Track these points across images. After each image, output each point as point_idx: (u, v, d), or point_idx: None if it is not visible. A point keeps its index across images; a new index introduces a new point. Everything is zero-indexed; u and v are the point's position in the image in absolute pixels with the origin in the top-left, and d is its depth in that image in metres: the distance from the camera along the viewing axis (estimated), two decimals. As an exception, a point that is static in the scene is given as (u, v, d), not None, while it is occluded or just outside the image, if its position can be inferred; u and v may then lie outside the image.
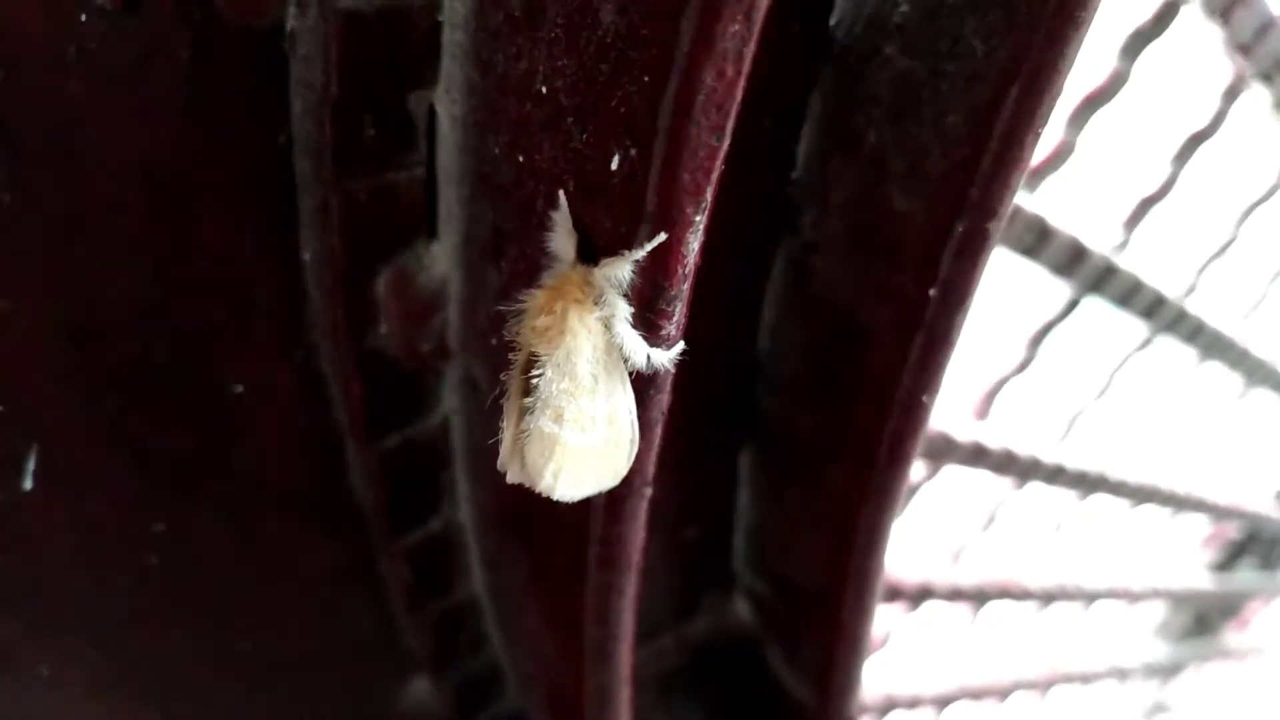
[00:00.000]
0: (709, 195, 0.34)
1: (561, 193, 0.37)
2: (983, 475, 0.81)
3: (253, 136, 0.47)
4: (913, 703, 0.99)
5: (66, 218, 0.45)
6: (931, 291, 0.46)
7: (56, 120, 0.43)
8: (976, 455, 0.75)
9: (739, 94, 0.32)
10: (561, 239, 0.37)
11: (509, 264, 0.43)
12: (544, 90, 0.37)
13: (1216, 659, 1.72)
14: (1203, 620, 1.66)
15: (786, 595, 0.65)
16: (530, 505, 0.40)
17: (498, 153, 0.41)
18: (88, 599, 0.58)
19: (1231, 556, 1.57)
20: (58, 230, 0.45)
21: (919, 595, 0.85)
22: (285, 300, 0.52)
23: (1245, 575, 1.59)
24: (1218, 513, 1.28)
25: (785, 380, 0.57)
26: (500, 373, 0.46)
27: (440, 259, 0.49)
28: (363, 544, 0.64)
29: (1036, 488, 0.93)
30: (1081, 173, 0.67)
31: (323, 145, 0.44)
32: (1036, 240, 0.64)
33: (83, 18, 0.41)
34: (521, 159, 0.39)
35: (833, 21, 0.47)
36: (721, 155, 0.33)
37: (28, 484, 0.51)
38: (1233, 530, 1.52)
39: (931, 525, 0.97)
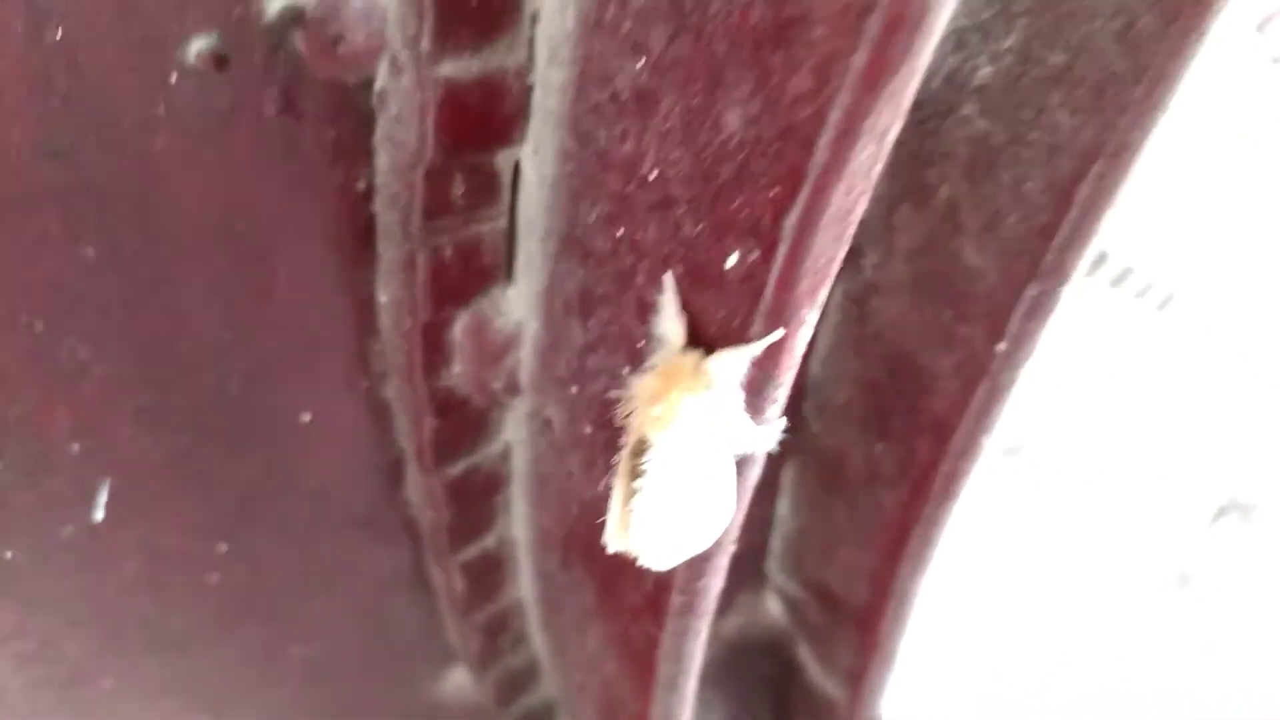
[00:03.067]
0: (825, 294, 0.35)
1: (669, 275, 0.38)
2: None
3: (333, 183, 0.47)
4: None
5: (148, 269, 0.46)
6: (999, 346, 0.47)
7: (143, 176, 0.43)
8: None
9: (864, 204, 0.33)
10: (669, 322, 0.38)
11: (598, 324, 0.44)
12: (652, 176, 0.37)
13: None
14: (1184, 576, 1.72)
15: (824, 602, 0.68)
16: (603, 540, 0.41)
17: (592, 221, 0.42)
18: (150, 616, 0.59)
19: (1215, 517, 1.62)
20: (139, 281, 0.46)
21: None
22: (353, 334, 0.53)
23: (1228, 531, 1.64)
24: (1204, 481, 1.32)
25: (838, 408, 0.58)
26: (579, 419, 0.47)
27: (517, 303, 0.50)
28: (414, 552, 0.65)
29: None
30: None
31: (412, 202, 0.44)
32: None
33: (174, 77, 0.41)
34: (620, 233, 0.40)
35: (908, 75, 0.48)
36: (841, 258, 0.34)
37: (99, 515, 0.52)
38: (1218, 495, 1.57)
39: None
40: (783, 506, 0.68)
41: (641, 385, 0.37)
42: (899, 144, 0.50)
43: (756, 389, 0.37)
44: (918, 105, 0.47)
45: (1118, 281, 0.68)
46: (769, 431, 0.38)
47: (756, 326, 0.35)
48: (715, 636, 0.75)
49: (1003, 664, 1.06)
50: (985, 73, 0.45)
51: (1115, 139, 0.41)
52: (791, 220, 0.32)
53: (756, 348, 0.35)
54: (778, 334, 0.35)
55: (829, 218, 0.32)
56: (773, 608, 0.75)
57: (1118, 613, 1.28)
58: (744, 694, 0.82)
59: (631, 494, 0.38)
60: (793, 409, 0.63)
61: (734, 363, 0.36)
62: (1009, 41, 0.44)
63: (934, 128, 0.47)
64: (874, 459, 0.57)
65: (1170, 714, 1.34)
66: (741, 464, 0.40)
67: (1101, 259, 0.61)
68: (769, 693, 0.81)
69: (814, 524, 0.66)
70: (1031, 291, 0.45)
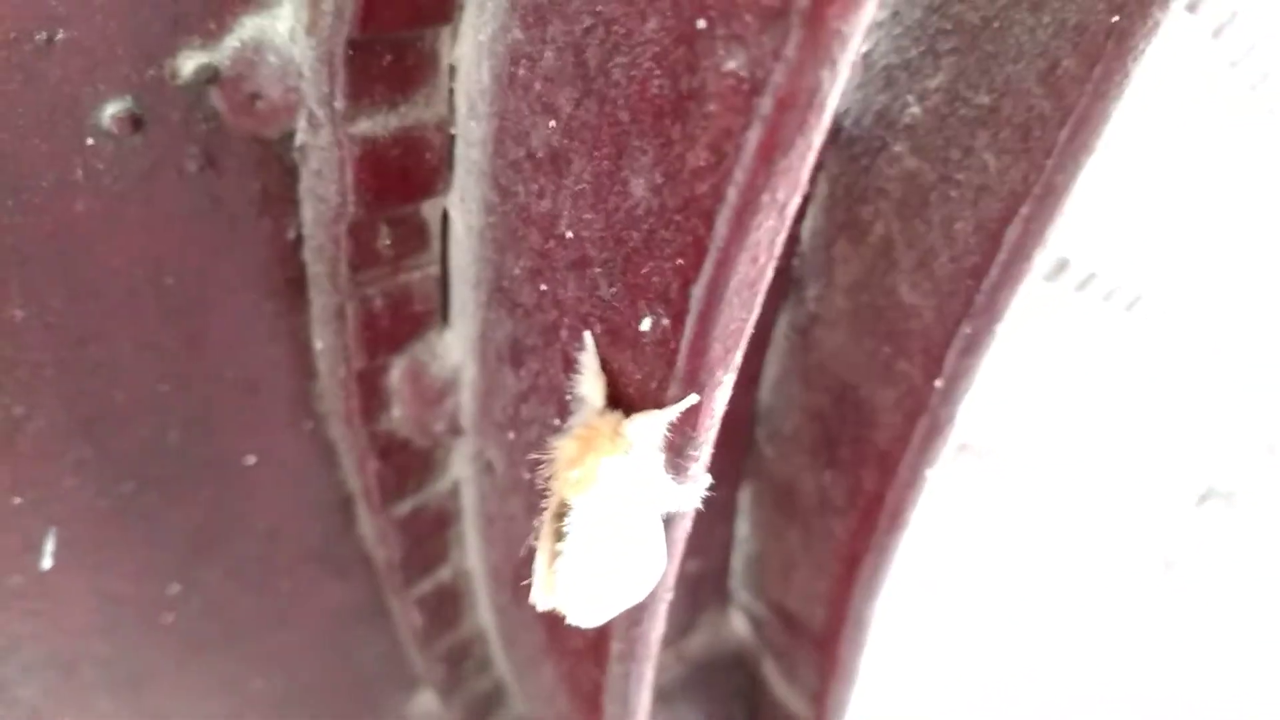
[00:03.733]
0: (739, 357, 0.35)
1: (588, 334, 0.38)
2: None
3: (262, 234, 0.47)
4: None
5: (77, 326, 0.45)
6: (937, 383, 0.47)
7: (65, 238, 0.42)
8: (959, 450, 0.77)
9: (771, 272, 0.33)
10: (589, 382, 0.37)
11: (529, 374, 0.43)
12: (569, 235, 0.37)
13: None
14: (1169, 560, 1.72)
15: (785, 623, 0.68)
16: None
17: (518, 273, 0.41)
18: (106, 658, 0.59)
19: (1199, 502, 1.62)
20: (69, 338, 0.45)
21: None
22: (293, 378, 0.53)
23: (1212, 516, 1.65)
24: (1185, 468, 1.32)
25: (787, 435, 0.58)
26: (516, 463, 0.47)
27: (453, 347, 0.49)
28: (371, 584, 0.65)
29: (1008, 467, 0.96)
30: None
31: (338, 255, 0.44)
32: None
33: (89, 141, 0.40)
34: (544, 288, 0.40)
35: (840, 109, 0.47)
36: (753, 322, 0.34)
37: (46, 564, 0.52)
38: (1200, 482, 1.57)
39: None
40: (742, 528, 0.68)
41: (561, 448, 0.37)
42: (835, 179, 0.50)
43: (677, 450, 0.37)
44: (851, 141, 0.47)
45: (1082, 286, 0.68)
46: (692, 489, 0.38)
47: (672, 390, 0.35)
48: (680, 656, 0.75)
49: (987, 656, 1.06)
50: (914, 111, 0.44)
51: (1042, 180, 0.41)
52: (698, 291, 0.32)
53: (672, 412, 0.35)
54: (692, 399, 0.35)
55: (734, 287, 0.32)
56: (738, 625, 0.75)
57: (1104, 599, 1.28)
58: (716, 710, 0.82)
59: (556, 555, 0.38)
60: (747, 433, 0.63)
61: (651, 426, 0.36)
62: (936, 81, 0.43)
63: (867, 165, 0.47)
64: (824, 487, 0.57)
65: (1156, 700, 1.35)
66: (669, 521, 0.40)
67: (1063, 265, 0.61)
68: (741, 707, 0.81)
69: (771, 548, 0.66)
70: (965, 330, 0.45)
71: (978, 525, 0.90)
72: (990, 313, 0.44)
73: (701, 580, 0.70)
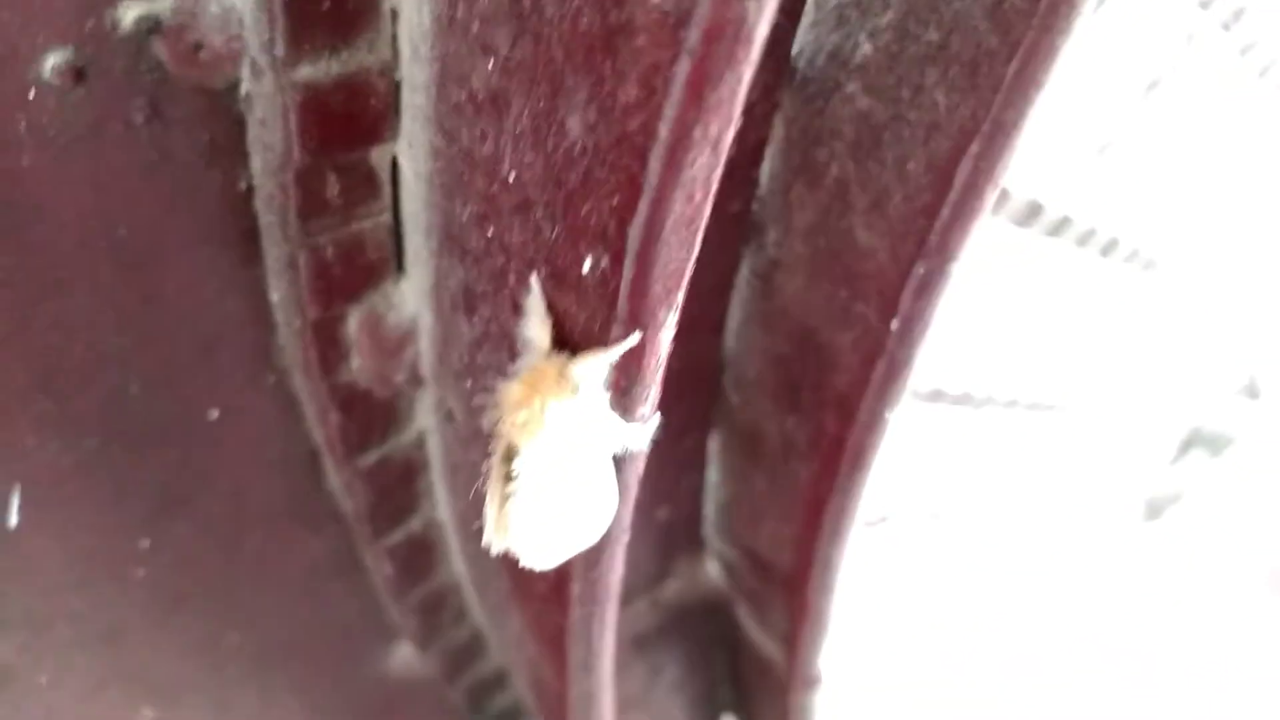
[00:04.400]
0: (681, 296, 0.35)
1: (534, 278, 0.38)
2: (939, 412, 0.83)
3: (213, 186, 0.46)
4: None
5: (30, 282, 0.45)
6: (893, 324, 0.47)
7: (13, 193, 0.42)
8: (934, 397, 0.78)
9: (708, 209, 0.33)
10: (535, 325, 0.37)
11: (481, 321, 0.43)
12: (511, 177, 0.37)
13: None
14: (1152, 508, 1.74)
15: (756, 567, 0.68)
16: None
17: (465, 219, 0.41)
18: (79, 613, 0.60)
19: (1181, 450, 1.63)
20: (23, 294, 0.45)
21: (878, 520, 0.89)
22: (253, 331, 0.52)
23: (1194, 464, 1.66)
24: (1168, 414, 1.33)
25: (751, 381, 0.58)
26: (475, 411, 0.47)
27: (410, 296, 0.49)
28: (345, 537, 0.66)
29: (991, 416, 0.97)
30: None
31: (286, 205, 0.44)
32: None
33: (31, 94, 0.40)
34: (491, 232, 0.40)
35: (794, 51, 0.47)
36: (693, 261, 0.34)
37: (13, 521, 0.52)
38: (1182, 427, 1.58)
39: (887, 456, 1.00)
40: (712, 474, 0.68)
41: (507, 391, 0.37)
42: (791, 121, 0.50)
43: (623, 390, 0.37)
44: (805, 83, 0.47)
45: (1055, 231, 0.68)
46: (641, 430, 0.38)
47: (615, 331, 0.35)
48: (656, 604, 0.76)
49: (969, 605, 1.07)
50: (865, 50, 0.44)
51: (990, 116, 0.40)
52: (635, 230, 0.32)
53: (616, 351, 0.35)
54: (634, 338, 0.35)
55: (672, 225, 0.32)
56: (712, 571, 0.76)
57: (1085, 547, 1.29)
58: (694, 656, 0.83)
59: (506, 497, 0.38)
60: (714, 381, 0.63)
61: (596, 367, 0.36)
62: (887, 18, 0.43)
63: (821, 106, 0.47)
64: (787, 432, 0.57)
65: (1137, 649, 1.37)
66: (621, 463, 0.40)
67: (1036, 209, 0.61)
68: (719, 653, 0.82)
69: (740, 493, 0.66)
70: (919, 270, 0.45)
71: (953, 472, 0.90)
72: (943, 252, 0.44)
73: (673, 527, 0.70)
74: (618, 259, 0.33)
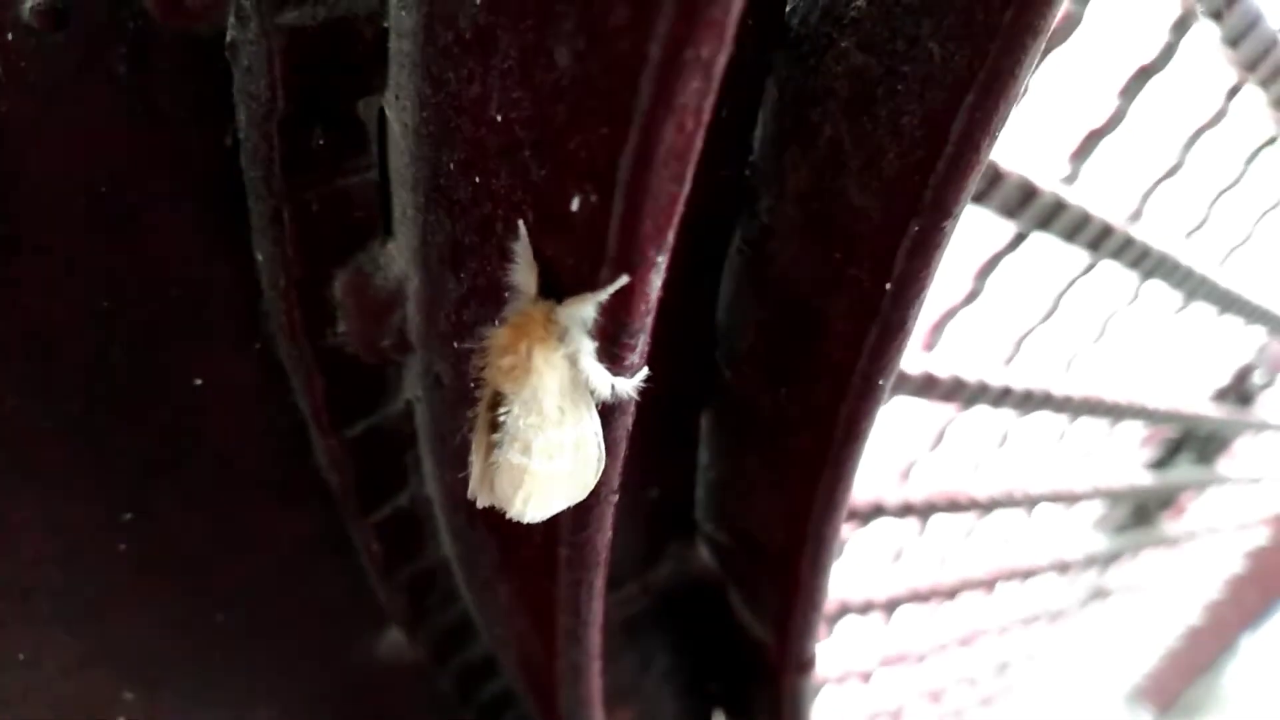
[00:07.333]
0: (671, 236, 0.34)
1: (521, 223, 0.37)
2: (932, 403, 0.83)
3: (197, 141, 0.45)
4: (864, 608, 1.04)
5: (6, 239, 0.44)
6: (887, 286, 0.46)
7: (-10, 144, 0.41)
8: (926, 386, 0.77)
9: (700, 142, 0.32)
10: (522, 271, 0.37)
11: (469, 276, 0.43)
12: (499, 118, 0.36)
13: (1153, 546, 1.80)
14: (1141, 511, 1.74)
15: (747, 548, 0.67)
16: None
17: (453, 169, 0.40)
18: (60, 587, 0.58)
19: (1169, 453, 1.63)
20: (1, 251, 0.44)
21: (870, 513, 0.88)
22: (239, 295, 0.52)
23: (1182, 469, 1.66)
24: (1157, 417, 1.32)
25: (743, 354, 0.58)
26: (464, 374, 0.46)
27: (396, 258, 0.48)
28: (332, 514, 0.64)
29: (983, 409, 0.96)
30: (1029, 109, 0.67)
31: (271, 157, 0.43)
32: (987, 185, 0.64)
33: (9, 36, 0.39)
34: (478, 180, 0.39)
35: (787, 9, 0.47)
36: (683, 199, 0.33)
37: (-9, 486, 0.51)
38: (1171, 430, 1.58)
39: (881, 447, 0.99)
40: (703, 455, 0.68)
41: (494, 336, 0.36)
42: (784, 81, 0.49)
43: (611, 336, 0.36)
44: (798, 41, 0.46)
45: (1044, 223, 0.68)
46: (630, 380, 0.37)
47: (604, 272, 0.34)
48: (646, 588, 0.75)
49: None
50: (860, 4, 0.43)
51: (986, 66, 0.40)
52: (625, 160, 0.31)
53: (604, 293, 0.34)
54: (623, 279, 0.34)
55: (662, 156, 0.31)
56: (704, 555, 0.75)
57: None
58: (684, 642, 0.82)
59: (491, 446, 0.37)
60: (705, 358, 0.62)
61: (583, 310, 0.35)
62: (881, -30, 0.42)
63: (815, 64, 0.46)
64: (780, 404, 0.56)
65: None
66: (609, 413, 0.39)
67: (1029, 195, 0.60)
68: (710, 638, 0.81)
69: (731, 472, 0.65)
70: (914, 228, 0.44)
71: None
72: (939, 209, 0.43)
73: (664, 509, 0.69)
74: (606, 194, 0.33)
